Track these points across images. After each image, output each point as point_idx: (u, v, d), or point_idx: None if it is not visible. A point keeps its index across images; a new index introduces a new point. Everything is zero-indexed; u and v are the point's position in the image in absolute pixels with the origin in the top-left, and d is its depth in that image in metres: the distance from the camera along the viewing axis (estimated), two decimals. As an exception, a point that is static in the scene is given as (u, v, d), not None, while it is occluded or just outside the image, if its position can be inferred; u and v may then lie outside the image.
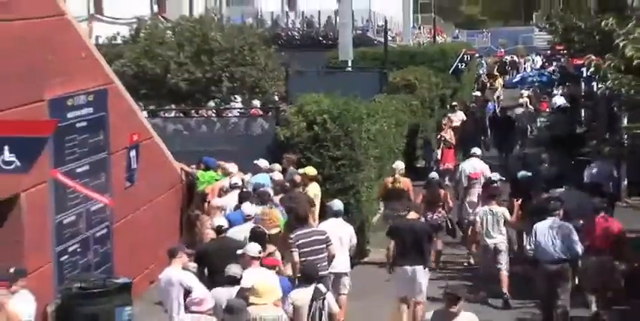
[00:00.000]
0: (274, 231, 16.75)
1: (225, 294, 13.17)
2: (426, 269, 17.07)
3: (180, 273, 14.32)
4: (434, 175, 23.26)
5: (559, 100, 41.48)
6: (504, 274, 18.50)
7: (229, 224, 16.67)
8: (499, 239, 18.63)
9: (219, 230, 16.30)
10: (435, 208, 20.48)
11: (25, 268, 13.48)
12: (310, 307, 13.03)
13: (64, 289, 14.02)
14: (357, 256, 19.58)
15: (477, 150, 25.09)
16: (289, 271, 15.66)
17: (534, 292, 17.39)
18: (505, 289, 18.28)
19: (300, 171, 19.39)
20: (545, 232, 16.64)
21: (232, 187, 19.01)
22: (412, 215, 17.83)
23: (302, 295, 13.20)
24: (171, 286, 14.22)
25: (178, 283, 14.07)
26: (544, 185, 20.77)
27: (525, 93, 44.73)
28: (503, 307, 18.06)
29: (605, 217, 17.36)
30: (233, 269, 13.71)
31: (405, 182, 22.08)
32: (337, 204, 17.24)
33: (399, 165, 22.75)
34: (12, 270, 13.00)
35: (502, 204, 19.66)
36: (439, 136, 28.87)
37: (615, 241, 16.88)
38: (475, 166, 23.75)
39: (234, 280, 13.46)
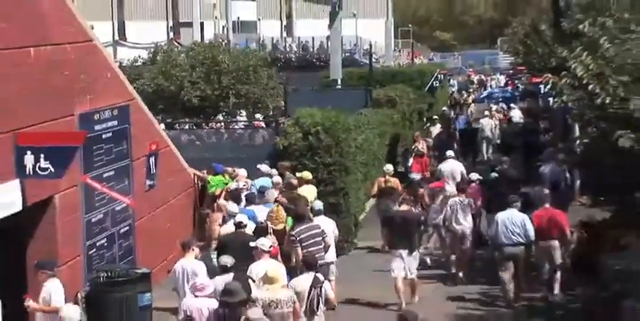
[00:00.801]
0: (280, 226, 16.77)
1: (220, 280, 13.20)
2: (415, 252, 17.40)
3: (193, 262, 14.42)
4: (415, 176, 23.52)
5: (515, 114, 41.64)
6: (467, 253, 19.01)
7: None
8: (466, 225, 18.87)
9: (238, 225, 16.27)
10: (415, 204, 20.44)
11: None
12: (309, 293, 12.99)
13: (92, 278, 13.99)
14: (345, 248, 20.00)
15: (450, 153, 25.57)
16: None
17: (495, 273, 17.49)
18: (460, 270, 18.74)
19: (298, 175, 19.42)
20: (506, 220, 17.05)
21: (238, 190, 19.07)
22: (404, 207, 18.12)
23: (302, 282, 13.17)
24: (184, 273, 14.31)
25: (191, 272, 14.15)
26: (506, 184, 21.05)
27: (494, 107, 44.74)
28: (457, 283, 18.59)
29: (549, 208, 17.61)
30: (224, 259, 13.80)
31: (395, 181, 22.47)
32: (318, 204, 17.29)
33: (390, 167, 23.26)
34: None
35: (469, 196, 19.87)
36: (412, 147, 28.80)
37: (559, 228, 17.20)
38: (452, 166, 24.32)
39: (226, 269, 13.53)
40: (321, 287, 13.13)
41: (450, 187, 22.28)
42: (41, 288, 12.85)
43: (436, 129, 33.97)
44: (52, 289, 12.73)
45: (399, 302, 16.86)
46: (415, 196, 20.31)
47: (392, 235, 17.91)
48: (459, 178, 23.52)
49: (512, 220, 17.07)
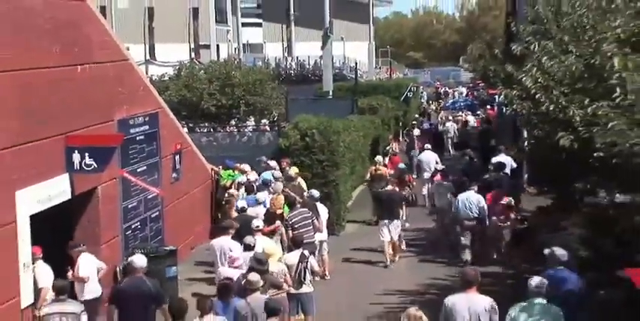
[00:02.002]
0: (279, 211, 16.84)
1: (245, 255, 13.22)
2: (397, 221, 18.27)
3: (229, 241, 14.44)
4: (402, 165, 24.48)
5: (471, 119, 41.89)
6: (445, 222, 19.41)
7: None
8: (445, 202, 19.38)
9: (242, 209, 16.53)
10: (403, 186, 21.08)
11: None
12: (297, 266, 13.03)
13: (128, 255, 14.04)
14: (336, 229, 20.09)
15: (428, 145, 26.98)
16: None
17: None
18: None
19: (294, 170, 19.54)
20: (465, 200, 17.65)
21: (246, 182, 19.12)
22: (389, 188, 18.92)
23: (291, 257, 13.29)
24: (221, 249, 14.30)
25: (227, 248, 14.17)
26: (467, 173, 21.68)
27: (460, 114, 45.02)
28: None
29: (499, 191, 18.59)
30: (249, 239, 13.81)
31: (384, 170, 23.01)
32: (315, 193, 17.33)
33: (379, 158, 23.98)
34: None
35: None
36: (387, 148, 28.85)
37: (504, 208, 18.05)
38: (428, 156, 25.53)
39: (250, 247, 13.56)
40: (307, 261, 13.19)
41: (427, 174, 23.85)
42: (76, 262, 12.95)
43: (416, 131, 34.13)
44: (81, 263, 12.88)
45: (385, 261, 17.69)
46: (401, 180, 21.13)
47: (380, 209, 18.93)
48: (433, 165, 24.49)
49: (470, 200, 17.61)
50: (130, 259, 12.47)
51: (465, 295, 10.12)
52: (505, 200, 18.17)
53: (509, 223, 18.03)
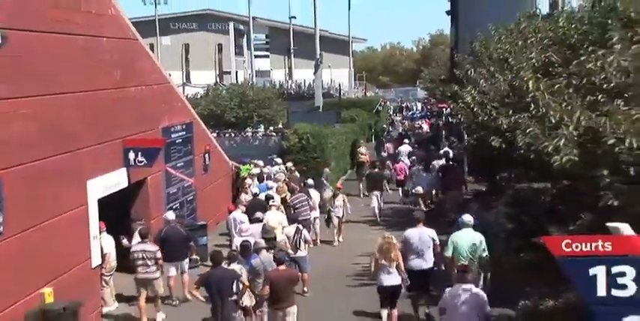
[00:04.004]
0: (283, 195, 16.83)
1: (255, 226, 13.22)
2: (378, 192, 19.25)
3: (240, 214, 14.46)
4: (384, 154, 26.63)
5: (425, 126, 42.04)
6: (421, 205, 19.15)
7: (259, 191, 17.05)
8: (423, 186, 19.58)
9: (254, 194, 16.58)
10: (382, 168, 22.07)
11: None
12: (294, 236, 13.02)
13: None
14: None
15: (406, 140, 28.54)
16: None
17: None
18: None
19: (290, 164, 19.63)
20: (425, 177, 19.53)
21: (263, 173, 19.20)
22: (375, 170, 20.51)
23: (289, 230, 13.23)
24: (235, 221, 14.30)
25: (239, 220, 14.15)
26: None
27: (418, 122, 45.12)
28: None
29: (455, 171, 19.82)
30: (257, 214, 13.85)
31: (366, 157, 24.58)
32: (309, 181, 17.39)
33: (363, 150, 25.50)
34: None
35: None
36: (357, 150, 28.66)
37: (458, 184, 19.02)
38: (407, 148, 26.27)
39: (258, 220, 13.57)
40: (301, 233, 13.18)
41: (405, 160, 24.48)
42: (133, 232, 12.95)
43: (395, 133, 34.55)
44: (137, 235, 12.73)
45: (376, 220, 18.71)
46: (383, 164, 22.90)
47: (369, 185, 19.89)
48: (405, 155, 25.13)
49: (428, 177, 19.51)
50: (164, 215, 13.59)
51: (416, 228, 11.44)
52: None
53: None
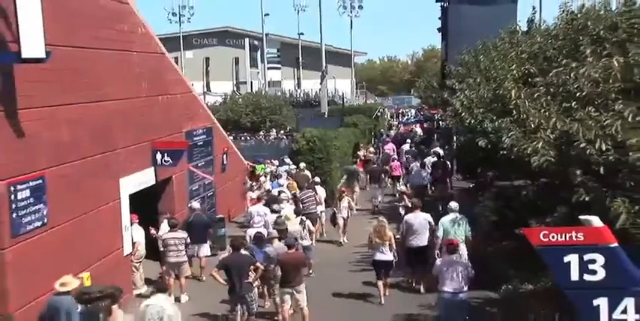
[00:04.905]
0: (293, 192, 16.81)
1: (272, 216, 13.24)
2: (377, 185, 19.91)
3: (262, 207, 14.31)
4: (387, 152, 25.88)
5: (418, 130, 41.93)
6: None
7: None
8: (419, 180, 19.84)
9: (268, 191, 16.60)
10: (385, 165, 22.47)
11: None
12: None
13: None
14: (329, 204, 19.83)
15: (408, 140, 28.99)
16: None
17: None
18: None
19: (302, 164, 19.59)
20: (418, 170, 19.72)
21: (272, 172, 19.19)
22: (375, 166, 21.19)
23: (295, 221, 13.12)
24: (256, 212, 14.18)
25: (263, 212, 14.02)
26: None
27: (412, 126, 44.92)
28: None
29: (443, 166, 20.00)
30: (274, 206, 13.84)
31: (371, 155, 25.02)
32: (316, 179, 17.35)
33: (372, 149, 26.28)
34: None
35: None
36: (356, 154, 28.41)
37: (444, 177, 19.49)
38: (406, 146, 26.62)
39: (275, 211, 13.56)
40: (305, 224, 13.22)
41: (403, 158, 24.17)
42: (160, 224, 13.01)
43: (392, 133, 34.65)
44: (162, 225, 12.87)
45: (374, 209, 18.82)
46: (385, 162, 23.07)
47: (371, 179, 20.41)
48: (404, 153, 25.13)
49: (419, 172, 19.65)
50: (190, 205, 13.92)
51: (414, 213, 12.35)
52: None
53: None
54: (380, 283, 11.76)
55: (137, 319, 8.40)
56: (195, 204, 14.00)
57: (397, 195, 19.98)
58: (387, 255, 11.59)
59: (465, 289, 9.51)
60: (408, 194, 15.85)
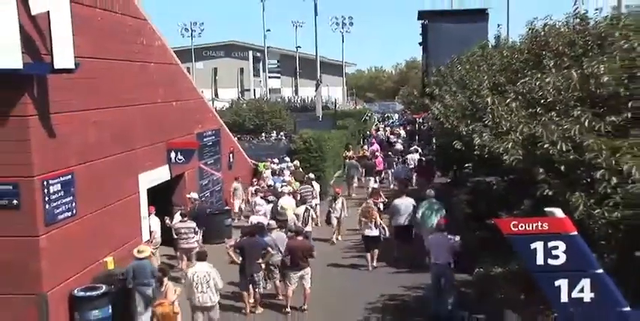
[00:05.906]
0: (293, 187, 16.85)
1: (269, 207, 13.31)
2: (372, 177, 20.24)
3: (260, 199, 14.35)
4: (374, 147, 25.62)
5: (402, 132, 41.88)
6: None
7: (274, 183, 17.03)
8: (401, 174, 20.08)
9: (269, 186, 16.52)
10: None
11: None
12: (303, 215, 13.02)
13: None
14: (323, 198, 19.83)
15: (400, 140, 29.23)
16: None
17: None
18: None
19: (296, 162, 19.59)
20: (402, 168, 20.17)
21: (272, 169, 19.17)
22: (368, 162, 21.26)
23: (300, 210, 13.18)
24: (257, 203, 14.23)
25: (262, 202, 14.11)
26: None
27: (396, 128, 44.92)
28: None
29: (427, 164, 20.19)
30: (271, 198, 13.91)
31: (363, 152, 24.92)
32: (311, 175, 17.25)
33: (366, 147, 26.32)
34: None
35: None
36: (343, 155, 28.01)
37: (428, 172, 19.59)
38: (398, 146, 26.86)
39: (270, 202, 13.69)
40: (309, 212, 13.24)
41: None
42: (174, 215, 12.94)
43: (381, 133, 34.61)
44: (175, 216, 12.77)
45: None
46: (375, 156, 23.09)
47: (366, 172, 20.77)
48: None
49: (404, 169, 20.09)
50: (189, 195, 13.74)
51: (401, 198, 13.04)
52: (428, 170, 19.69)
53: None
54: (368, 255, 12.44)
55: (187, 284, 9.25)
56: (194, 194, 13.86)
57: (369, 189, 19.19)
58: (373, 231, 12.33)
59: (451, 260, 9.89)
60: (379, 194, 15.25)
